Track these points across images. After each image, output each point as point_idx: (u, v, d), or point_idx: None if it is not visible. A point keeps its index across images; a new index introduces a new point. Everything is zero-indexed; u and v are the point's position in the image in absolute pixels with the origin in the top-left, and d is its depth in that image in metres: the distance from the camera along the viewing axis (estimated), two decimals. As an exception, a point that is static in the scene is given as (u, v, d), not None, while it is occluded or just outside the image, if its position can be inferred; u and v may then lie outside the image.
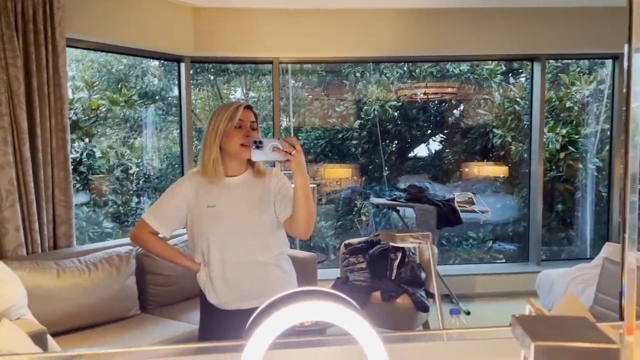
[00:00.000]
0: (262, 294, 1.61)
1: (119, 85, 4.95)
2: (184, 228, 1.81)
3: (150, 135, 5.24)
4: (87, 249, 2.82)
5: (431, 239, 1.17)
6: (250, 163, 1.77)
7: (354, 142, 5.55)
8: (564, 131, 4.93)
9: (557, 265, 3.86)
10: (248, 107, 1.76)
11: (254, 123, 1.74)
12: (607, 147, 4.63)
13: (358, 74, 5.55)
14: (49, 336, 2.00)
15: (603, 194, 4.74)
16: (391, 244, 1.20)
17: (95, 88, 4.79)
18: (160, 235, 1.81)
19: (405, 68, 5.48)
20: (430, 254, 1.15)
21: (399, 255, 3.16)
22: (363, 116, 5.49)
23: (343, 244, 3.48)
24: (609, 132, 4.59)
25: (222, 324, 1.74)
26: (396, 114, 5.51)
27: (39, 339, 1.88)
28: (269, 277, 1.74)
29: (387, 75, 5.51)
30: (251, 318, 0.94)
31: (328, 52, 4.09)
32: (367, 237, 3.49)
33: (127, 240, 3.02)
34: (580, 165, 4.97)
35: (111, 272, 2.67)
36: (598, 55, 4.64)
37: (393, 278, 3.12)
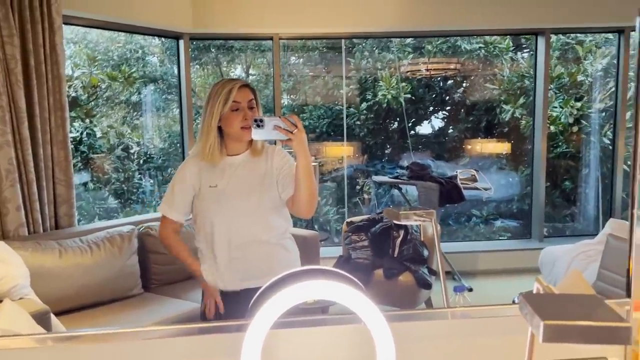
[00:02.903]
0: (265, 274, 1.60)
1: (119, 64, 4.89)
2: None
3: (150, 114, 5.20)
4: (88, 229, 2.81)
5: (435, 216, 1.16)
6: (251, 141, 1.74)
7: (358, 122, 5.49)
8: (578, 104, 4.83)
9: (559, 242, 3.86)
10: (244, 86, 1.69)
11: (252, 101, 1.69)
12: (612, 124, 4.57)
13: (366, 52, 5.46)
14: (52, 315, 2.01)
15: (609, 169, 4.71)
16: (394, 222, 1.18)
17: (95, 63, 4.73)
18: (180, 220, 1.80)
19: (409, 45, 5.39)
20: (434, 232, 1.14)
21: (402, 232, 3.16)
22: (369, 96, 5.42)
23: (345, 222, 3.47)
24: (613, 103, 4.52)
25: (225, 304, 1.74)
26: (401, 92, 5.44)
27: (42, 319, 1.88)
28: (272, 256, 1.72)
29: (395, 52, 5.41)
30: (254, 297, 0.93)
31: (330, 28, 4.02)
32: (369, 215, 3.48)
33: (129, 219, 3.03)
34: (593, 139, 4.90)
35: (113, 251, 2.67)
36: (603, 29, 4.56)
37: (395, 256, 3.12)
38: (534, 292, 0.75)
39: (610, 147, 4.59)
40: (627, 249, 1.05)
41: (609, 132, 4.69)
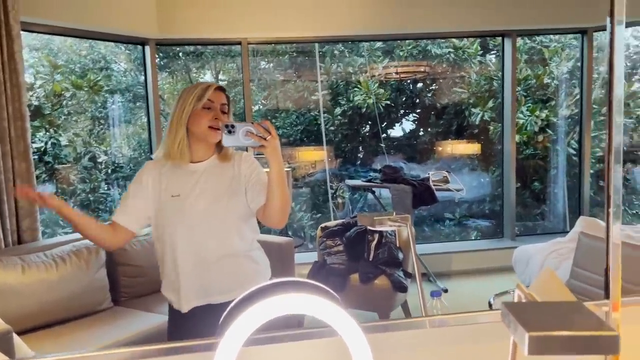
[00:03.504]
0: (233, 288, 1.54)
1: (84, 72, 4.76)
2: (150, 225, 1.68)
3: (118, 122, 5.07)
4: (53, 243, 2.71)
5: (410, 220, 1.13)
6: (218, 147, 1.66)
7: (332, 127, 5.47)
8: (543, 114, 4.93)
9: (531, 240, 3.90)
10: (219, 89, 1.64)
11: (224, 106, 1.63)
12: (578, 125, 4.67)
13: (336, 53, 5.44)
14: (15, 335, 1.91)
15: (576, 170, 4.80)
16: (369, 228, 1.15)
17: (58, 71, 4.59)
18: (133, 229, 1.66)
19: (379, 49, 5.40)
20: (410, 236, 1.11)
21: (376, 236, 3.14)
22: (342, 101, 5.41)
23: (320, 227, 3.44)
24: (579, 109, 4.62)
25: (192, 321, 1.64)
26: (372, 95, 5.45)
27: (4, 339, 1.79)
28: (240, 269, 1.64)
29: (366, 56, 5.41)
30: (224, 314, 0.88)
31: (298, 32, 4.00)
32: (343, 220, 3.45)
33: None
34: (559, 148, 5.00)
35: (80, 265, 2.58)
36: (567, 30, 4.65)
37: (371, 259, 3.10)
38: (515, 299, 0.72)
39: (575, 158, 4.69)
40: (599, 247, 1.05)
41: (572, 142, 4.79)
